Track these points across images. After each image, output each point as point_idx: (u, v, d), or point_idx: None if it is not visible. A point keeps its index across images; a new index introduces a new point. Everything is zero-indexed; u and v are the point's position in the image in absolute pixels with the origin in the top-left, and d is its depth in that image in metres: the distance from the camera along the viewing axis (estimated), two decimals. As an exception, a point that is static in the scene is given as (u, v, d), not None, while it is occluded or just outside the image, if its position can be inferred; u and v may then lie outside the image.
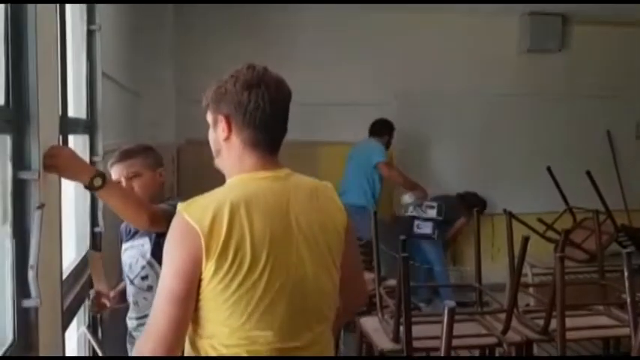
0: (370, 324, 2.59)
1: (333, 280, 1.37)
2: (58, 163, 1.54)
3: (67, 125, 1.98)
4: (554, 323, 2.28)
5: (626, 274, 2.14)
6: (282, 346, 1.27)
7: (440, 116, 5.20)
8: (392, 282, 2.91)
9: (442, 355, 1.76)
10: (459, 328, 1.93)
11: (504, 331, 2.42)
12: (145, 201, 1.84)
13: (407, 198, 4.73)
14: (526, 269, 3.44)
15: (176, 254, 1.24)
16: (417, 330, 2.18)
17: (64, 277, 1.89)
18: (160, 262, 1.44)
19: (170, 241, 1.26)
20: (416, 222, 4.68)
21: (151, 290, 1.94)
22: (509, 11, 5.11)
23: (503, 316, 2.47)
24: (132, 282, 2.05)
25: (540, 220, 3.81)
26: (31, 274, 1.39)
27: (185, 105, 4.45)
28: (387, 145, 4.73)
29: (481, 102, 5.21)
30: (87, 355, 2.33)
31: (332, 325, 1.41)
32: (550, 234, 3.77)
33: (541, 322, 2.45)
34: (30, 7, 1.44)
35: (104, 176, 1.63)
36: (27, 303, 1.41)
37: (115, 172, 2.00)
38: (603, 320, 2.62)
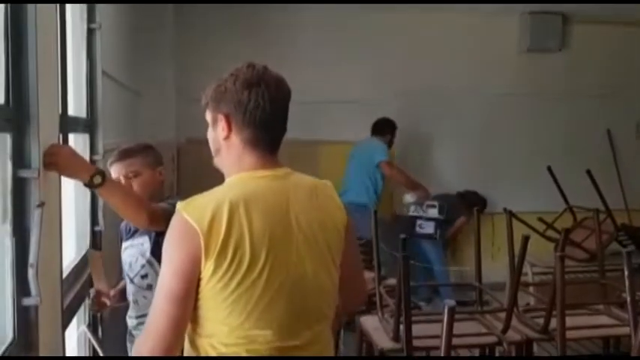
0: (370, 323, 2.59)
1: (332, 279, 1.37)
2: (58, 161, 1.54)
3: (67, 124, 1.98)
4: (554, 322, 2.28)
5: (626, 273, 2.14)
6: (282, 345, 1.27)
7: (440, 115, 5.21)
8: (392, 281, 2.91)
9: (442, 353, 1.76)
10: (459, 327, 1.93)
11: (504, 330, 2.42)
12: (144, 199, 1.84)
13: (409, 197, 4.73)
14: (526, 268, 3.44)
15: (175, 253, 1.24)
16: (417, 329, 2.19)
17: (64, 275, 1.90)
18: (159, 261, 1.44)
19: (169, 240, 1.26)
20: (418, 222, 4.69)
21: (150, 289, 1.94)
22: (510, 10, 5.10)
23: (503, 315, 2.47)
24: (132, 281, 2.06)
25: (540, 220, 3.81)
26: (30, 272, 1.39)
27: (185, 104, 4.45)
28: (390, 145, 4.73)
29: (481, 101, 5.21)
30: (87, 353, 2.33)
31: (331, 323, 1.41)
32: (550, 233, 3.77)
33: (541, 321, 2.45)
34: (30, 5, 1.44)
35: (104, 174, 1.63)
36: (27, 301, 1.41)
37: (115, 171, 2.01)
38: (603, 319, 2.62)
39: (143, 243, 2.01)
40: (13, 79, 1.41)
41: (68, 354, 1.97)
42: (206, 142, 1.40)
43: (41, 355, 1.47)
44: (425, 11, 4.91)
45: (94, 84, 2.46)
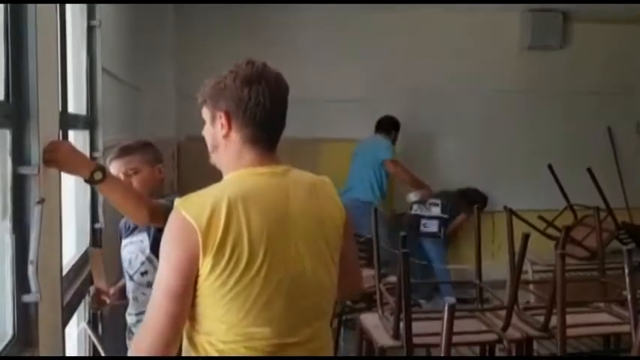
0: (370, 320, 2.59)
1: (331, 276, 1.37)
2: (58, 157, 1.53)
3: (67, 121, 1.98)
4: (554, 320, 2.28)
5: (626, 271, 2.14)
6: (280, 342, 1.27)
7: (441, 113, 5.20)
8: (392, 279, 2.91)
9: (442, 351, 1.77)
10: (459, 325, 1.93)
11: (504, 328, 2.42)
12: (144, 196, 1.83)
13: (412, 196, 4.75)
14: (526, 266, 3.44)
15: (173, 250, 1.24)
16: (417, 326, 2.18)
17: (64, 272, 1.90)
18: (159, 258, 1.44)
19: (167, 237, 1.26)
20: (422, 221, 4.70)
21: (150, 286, 1.92)
22: (510, 8, 5.10)
23: (503, 313, 2.47)
24: (131, 278, 2.05)
25: (541, 218, 3.81)
26: (30, 269, 1.39)
27: (185, 102, 4.44)
28: (393, 142, 4.74)
29: (481, 99, 5.21)
30: (87, 350, 2.33)
31: (330, 319, 1.41)
32: (551, 231, 3.77)
33: (541, 319, 2.45)
34: (30, 3, 1.43)
35: (104, 170, 1.63)
36: (27, 298, 1.41)
37: (114, 168, 2.00)
38: (604, 317, 2.62)
39: (142, 240, 2.01)
40: (13, 75, 1.41)
41: (68, 351, 1.97)
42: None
43: (41, 352, 1.46)
44: (426, 9, 4.90)
45: (94, 81, 2.46)
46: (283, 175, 1.34)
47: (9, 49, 1.40)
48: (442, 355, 1.84)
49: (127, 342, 2.11)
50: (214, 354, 1.26)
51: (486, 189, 5.14)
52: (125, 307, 2.12)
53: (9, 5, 1.41)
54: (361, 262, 3.65)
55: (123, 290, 2.15)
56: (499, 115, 5.28)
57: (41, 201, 1.42)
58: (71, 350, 2.17)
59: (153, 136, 2.93)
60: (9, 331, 1.42)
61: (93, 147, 2.45)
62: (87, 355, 2.34)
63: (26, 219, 1.42)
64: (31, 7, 1.43)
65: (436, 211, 4.71)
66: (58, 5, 1.78)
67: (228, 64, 1.36)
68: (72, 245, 2.29)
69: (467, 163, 5.27)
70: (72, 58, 2.23)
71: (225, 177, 1.36)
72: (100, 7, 2.46)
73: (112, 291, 2.18)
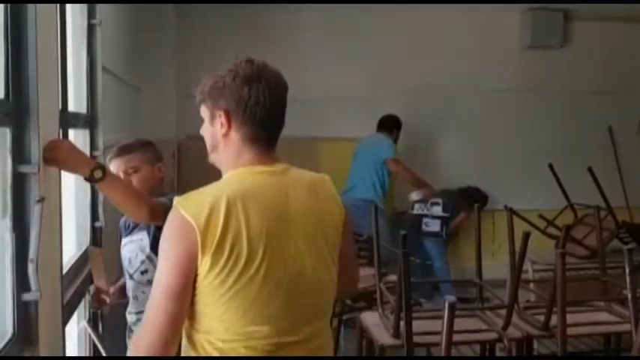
0: (370, 319, 2.59)
1: (331, 275, 1.36)
2: (58, 156, 1.53)
3: (68, 119, 1.98)
4: (554, 319, 2.28)
5: (627, 270, 2.14)
6: (280, 341, 1.27)
7: (441, 112, 5.20)
8: (393, 277, 2.91)
9: (443, 350, 1.76)
10: (459, 324, 1.93)
11: (505, 327, 2.42)
12: (144, 194, 1.83)
13: (414, 196, 4.75)
14: (527, 265, 3.43)
15: (172, 249, 1.23)
16: (417, 325, 2.18)
17: (65, 271, 1.89)
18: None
19: (166, 235, 1.25)
20: (424, 220, 4.71)
21: (150, 285, 1.92)
22: (511, 8, 5.09)
23: (503, 312, 2.47)
24: (131, 276, 2.05)
25: (541, 217, 3.81)
26: (30, 267, 1.39)
27: (186, 101, 4.43)
28: (395, 141, 4.74)
29: (482, 98, 5.21)
30: (87, 349, 2.33)
31: (330, 318, 1.41)
32: (551, 230, 3.77)
33: (541, 318, 2.45)
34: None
35: (104, 168, 1.63)
36: (27, 297, 1.41)
37: (114, 167, 2.00)
38: (604, 316, 2.62)
39: (142, 238, 2.01)
40: (13, 74, 1.41)
41: (68, 350, 1.97)
42: (206, 138, 1.39)
43: (41, 350, 1.46)
44: (426, 8, 4.90)
45: (94, 80, 2.46)
46: (283, 174, 1.34)
47: (9, 47, 1.40)
48: (442, 353, 1.84)
49: (127, 341, 2.11)
50: (213, 353, 1.26)
51: (487, 188, 5.13)
52: (125, 305, 2.12)
53: (9, 4, 1.40)
54: (362, 260, 3.67)
55: (123, 289, 2.15)
56: (500, 114, 5.27)
57: (41, 199, 1.42)
58: (71, 349, 2.17)
59: (153, 135, 2.93)
60: (9, 330, 1.42)
61: (93, 146, 2.45)
62: (87, 353, 2.34)
63: (26, 217, 1.42)
64: (31, 5, 1.43)
65: (437, 210, 4.71)
66: (58, 4, 1.78)
67: (229, 64, 1.35)
68: (72, 244, 2.29)
69: (467, 162, 5.26)
70: (72, 57, 2.23)
71: (225, 176, 1.35)
72: (100, 7, 2.46)
73: (112, 290, 2.18)
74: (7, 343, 1.39)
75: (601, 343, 3.10)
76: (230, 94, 1.30)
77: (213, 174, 1.42)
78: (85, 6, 2.40)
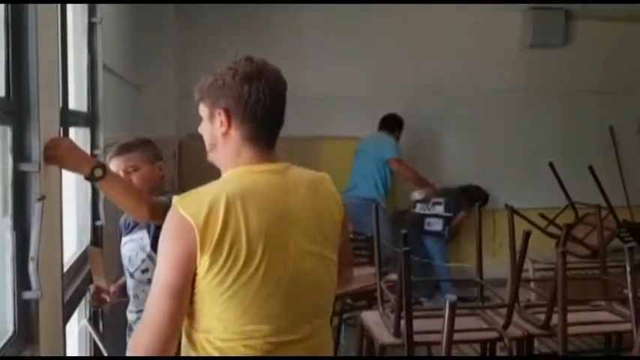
0: (371, 318, 2.59)
1: (330, 274, 1.36)
2: (58, 154, 1.53)
3: (68, 118, 1.98)
4: (555, 318, 2.28)
5: (628, 269, 2.13)
6: (279, 340, 1.26)
7: (442, 111, 5.20)
8: (393, 276, 2.91)
9: (443, 348, 1.76)
10: (460, 323, 1.93)
11: (505, 326, 2.41)
12: (145, 193, 1.83)
13: (416, 195, 4.76)
14: (527, 264, 3.43)
15: (171, 248, 1.23)
16: (417, 324, 2.18)
17: (65, 269, 1.90)
18: None
19: (165, 234, 1.25)
20: (427, 219, 4.71)
21: (150, 283, 1.93)
22: (511, 8, 5.09)
23: (504, 311, 2.47)
24: (132, 275, 2.05)
25: (542, 216, 3.80)
26: (31, 266, 1.39)
27: (186, 100, 4.42)
28: (396, 141, 4.73)
29: (483, 97, 5.20)
30: (88, 347, 2.33)
31: (330, 317, 1.41)
32: (552, 229, 3.76)
33: (542, 317, 2.45)
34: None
35: (105, 167, 1.63)
36: (27, 295, 1.41)
37: (114, 166, 2.00)
38: (605, 316, 2.62)
39: (142, 237, 2.01)
40: (13, 72, 1.41)
41: (69, 348, 1.97)
42: (206, 137, 1.38)
43: (42, 349, 1.46)
44: (426, 8, 4.89)
45: (95, 78, 2.46)
46: (283, 173, 1.33)
47: (10, 45, 1.40)
48: (443, 352, 1.84)
49: (128, 339, 2.11)
50: (213, 352, 1.25)
51: (488, 187, 5.13)
52: (126, 304, 2.12)
53: (10, 3, 1.40)
54: (363, 259, 3.67)
55: (123, 288, 2.15)
56: (500, 113, 5.27)
57: (42, 198, 1.42)
58: (72, 347, 2.17)
59: (154, 134, 2.93)
60: (9, 328, 1.42)
61: (94, 144, 2.45)
62: (88, 352, 2.34)
63: (27, 216, 1.42)
64: (32, 4, 1.43)
65: (439, 209, 4.72)
66: (59, 4, 1.78)
67: (228, 62, 1.34)
68: (73, 242, 2.29)
69: (468, 161, 5.26)
70: (73, 55, 2.23)
71: (224, 174, 1.34)
72: (100, 6, 2.46)
73: (112, 289, 2.18)
74: (7, 342, 1.39)
75: (602, 342, 3.10)
76: (230, 93, 1.29)
77: (214, 172, 1.42)
78: (85, 4, 2.39)
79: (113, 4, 2.92)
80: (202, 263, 1.21)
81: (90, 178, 1.60)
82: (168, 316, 1.21)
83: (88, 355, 2.35)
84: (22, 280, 1.41)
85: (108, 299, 2.14)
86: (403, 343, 2.19)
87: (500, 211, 3.61)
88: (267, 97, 1.29)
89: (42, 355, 1.46)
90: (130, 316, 2.09)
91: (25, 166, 1.42)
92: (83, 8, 2.39)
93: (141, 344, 1.23)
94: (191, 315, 1.26)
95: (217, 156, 1.35)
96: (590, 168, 4.11)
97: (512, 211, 2.88)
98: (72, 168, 1.64)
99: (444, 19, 5.06)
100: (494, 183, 5.16)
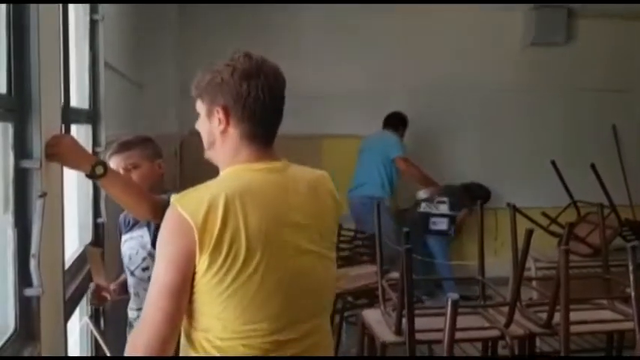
0: (372, 316, 2.59)
1: (330, 272, 1.36)
2: (60, 151, 1.53)
3: (70, 115, 1.98)
4: (557, 317, 2.27)
5: (630, 267, 2.13)
6: (279, 339, 1.25)
7: (444, 110, 5.19)
8: (395, 275, 2.91)
9: (445, 347, 1.76)
10: (461, 321, 1.93)
11: (507, 325, 2.41)
12: (146, 191, 1.83)
13: (421, 194, 4.77)
14: (529, 263, 3.42)
15: (169, 247, 1.22)
16: (419, 322, 2.18)
17: (67, 266, 1.90)
18: None
19: (163, 233, 1.24)
20: (431, 219, 4.72)
21: (152, 281, 1.93)
22: (514, 5, 5.07)
23: (506, 309, 2.46)
24: (132, 273, 2.05)
25: (544, 214, 3.80)
26: (32, 262, 1.39)
27: (188, 98, 4.42)
28: (401, 139, 4.73)
29: (486, 95, 5.20)
30: (89, 345, 2.33)
31: (330, 315, 1.41)
32: (554, 228, 3.76)
33: (544, 315, 2.44)
34: (32, -3, 1.43)
35: (106, 165, 1.63)
36: (29, 292, 1.41)
37: (114, 164, 1.99)
38: (607, 314, 2.61)
39: (143, 235, 2.01)
40: (15, 69, 1.41)
41: (70, 346, 1.97)
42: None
43: (43, 346, 1.46)
44: (428, 6, 4.89)
45: (96, 75, 2.46)
46: (282, 171, 1.32)
47: (11, 43, 1.40)
48: (445, 351, 1.84)
49: (128, 337, 2.11)
50: (212, 351, 1.24)
51: (489, 185, 5.13)
52: (127, 302, 2.12)
53: (11, 2, 1.40)
54: (365, 258, 3.66)
55: (124, 285, 2.14)
56: (503, 111, 5.26)
57: (43, 195, 1.42)
58: (73, 345, 2.17)
59: (156, 132, 2.93)
60: (11, 325, 1.42)
61: (95, 142, 2.45)
62: (89, 349, 2.34)
63: (28, 213, 1.42)
64: (33, 4, 1.43)
65: (444, 208, 4.74)
66: (60, 4, 1.78)
67: (226, 59, 1.32)
68: (74, 239, 2.29)
69: (470, 160, 5.26)
70: (74, 52, 2.23)
71: (222, 173, 1.33)
72: (102, 5, 2.46)
73: (112, 287, 2.17)
74: (8, 339, 1.39)
75: (603, 341, 3.09)
76: (228, 91, 1.27)
77: (215, 170, 1.41)
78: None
79: (115, 4, 2.91)
80: (201, 262, 1.20)
81: (91, 175, 1.60)
82: (166, 315, 1.20)
83: (89, 352, 2.35)
84: (23, 277, 1.41)
85: (108, 297, 2.14)
86: (404, 342, 2.18)
87: (503, 210, 3.60)
88: (266, 95, 1.27)
89: (43, 352, 1.46)
90: (131, 314, 2.08)
91: (26, 163, 1.42)
92: (85, 6, 2.39)
93: (139, 343, 1.22)
94: (190, 314, 1.25)
95: (215, 154, 1.34)
96: (593, 166, 4.10)
97: (515, 210, 2.87)
98: (73, 165, 1.64)
99: (445, 18, 5.06)
100: (496, 181, 5.15)
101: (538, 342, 2.85)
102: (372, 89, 5.01)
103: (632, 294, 2.14)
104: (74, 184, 2.29)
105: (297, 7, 4.83)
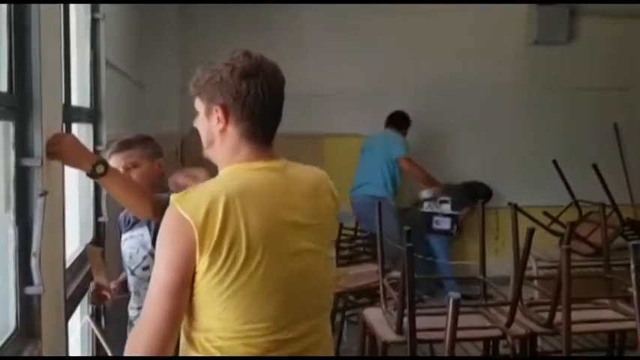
0: (374, 315, 2.59)
1: (329, 271, 1.35)
2: (61, 150, 1.53)
3: (71, 113, 1.98)
4: (558, 316, 2.27)
5: (632, 266, 2.12)
6: (279, 338, 1.25)
7: (445, 108, 5.19)
8: (396, 274, 2.90)
9: (447, 346, 1.76)
10: (462, 321, 1.92)
11: (508, 324, 2.41)
12: (147, 190, 1.83)
13: (424, 194, 4.77)
14: (531, 262, 3.41)
15: (169, 247, 1.21)
16: (420, 322, 2.18)
17: (68, 265, 1.90)
18: None
19: (163, 233, 1.23)
20: (435, 218, 4.72)
21: (152, 280, 1.93)
22: (514, 8, 5.08)
23: (507, 308, 2.46)
24: (133, 272, 2.05)
25: (546, 214, 3.79)
26: (33, 261, 1.39)
27: (189, 97, 4.43)
28: (403, 138, 4.73)
29: (487, 94, 5.19)
30: (90, 344, 2.33)
31: (330, 314, 1.40)
32: (555, 227, 3.75)
33: (545, 315, 2.44)
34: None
35: (106, 163, 1.62)
36: (30, 290, 1.41)
37: (114, 163, 1.99)
38: (608, 314, 2.61)
39: (143, 234, 2.01)
40: (16, 67, 1.40)
41: (71, 344, 1.97)
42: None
43: (44, 344, 1.46)
44: (429, 5, 4.88)
45: (97, 74, 2.46)
46: (281, 170, 1.31)
47: (12, 41, 1.40)
48: (446, 350, 1.83)
49: (128, 335, 2.11)
50: (212, 350, 1.24)
51: (491, 184, 5.13)
52: (127, 300, 2.12)
53: (13, 2, 1.40)
54: (366, 257, 3.66)
55: (124, 284, 2.14)
56: (504, 110, 5.25)
57: (44, 193, 1.41)
58: (74, 343, 2.17)
59: (157, 131, 2.94)
60: (12, 323, 1.42)
61: (96, 140, 2.45)
62: (90, 348, 2.34)
63: (29, 211, 1.42)
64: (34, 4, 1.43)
65: (447, 207, 4.75)
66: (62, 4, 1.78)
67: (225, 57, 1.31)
68: (75, 238, 2.29)
69: (472, 158, 5.25)
70: (76, 51, 2.23)
71: (221, 172, 1.32)
72: (103, 5, 2.46)
73: (112, 285, 2.17)
74: (9, 337, 1.39)
75: (605, 340, 3.08)
76: (227, 90, 1.26)
77: (216, 169, 1.41)
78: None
79: (117, 4, 2.91)
80: (201, 263, 1.19)
81: (92, 174, 1.59)
82: (166, 315, 1.20)
83: (90, 351, 2.36)
84: (24, 276, 1.41)
85: (108, 296, 2.14)
86: (406, 341, 2.18)
87: (504, 209, 3.61)
88: (266, 94, 1.27)
89: (44, 350, 1.46)
90: (132, 313, 2.08)
91: (27, 162, 1.42)
92: (86, 4, 2.39)
93: (139, 344, 1.21)
94: (190, 314, 1.25)
95: (214, 152, 1.33)
96: (595, 166, 4.09)
97: (516, 209, 2.87)
98: (74, 164, 1.64)
99: (448, 17, 5.05)
100: (497, 181, 5.15)
101: (539, 341, 2.85)
102: (374, 89, 5.01)
103: (634, 293, 2.13)
104: (75, 183, 2.29)
105: (298, 7, 4.84)
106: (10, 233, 1.41)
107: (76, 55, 2.27)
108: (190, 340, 1.27)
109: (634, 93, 5.37)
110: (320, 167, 1.42)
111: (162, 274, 1.21)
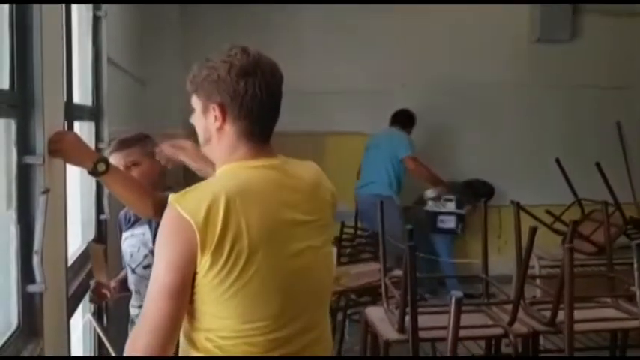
0: (375, 314, 2.58)
1: (329, 267, 1.36)
2: (63, 147, 1.52)
3: (73, 111, 1.98)
4: (561, 315, 2.26)
5: (635, 265, 2.12)
6: (280, 335, 1.25)
7: (448, 106, 5.18)
8: (398, 272, 2.90)
9: (449, 344, 1.76)
10: (465, 319, 1.92)
11: (511, 322, 2.40)
12: (149, 188, 1.82)
13: (429, 193, 4.77)
14: (533, 261, 3.41)
15: (169, 248, 1.20)
16: (422, 320, 2.17)
17: (70, 263, 1.90)
18: None
19: (163, 233, 1.22)
20: (439, 217, 4.71)
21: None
22: (516, 8, 5.07)
23: (509, 307, 2.45)
24: (134, 271, 2.05)
25: (548, 212, 3.78)
26: (35, 259, 1.38)
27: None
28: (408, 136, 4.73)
29: (490, 92, 5.18)
30: (93, 342, 2.33)
31: (329, 308, 1.40)
32: (558, 226, 3.74)
33: (548, 313, 2.43)
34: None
35: (108, 162, 1.62)
36: (32, 288, 1.41)
37: (114, 162, 1.97)
38: (611, 312, 2.60)
39: (144, 233, 2.00)
40: (18, 65, 1.40)
41: (73, 342, 1.97)
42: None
43: (46, 342, 1.46)
44: (429, 5, 4.88)
45: (99, 72, 2.46)
46: (280, 168, 1.30)
47: (15, 40, 1.39)
48: (448, 348, 1.83)
49: (130, 333, 2.11)
50: (213, 350, 1.24)
51: (493, 182, 5.12)
52: (129, 298, 2.12)
53: (15, 2, 1.40)
54: (368, 255, 3.66)
55: (124, 282, 2.14)
56: (507, 108, 5.25)
57: (46, 191, 1.41)
58: (76, 341, 2.17)
59: (158, 129, 2.94)
60: (14, 321, 1.42)
61: (98, 138, 2.45)
62: (92, 346, 2.34)
63: (31, 209, 1.42)
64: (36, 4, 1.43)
65: (451, 206, 4.75)
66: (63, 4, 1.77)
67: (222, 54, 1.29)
68: (77, 236, 2.29)
69: (474, 156, 5.24)
70: (77, 49, 2.22)
71: (219, 171, 1.31)
72: (105, 5, 2.46)
73: (112, 284, 2.17)
74: (12, 335, 1.39)
75: (607, 339, 3.08)
76: (225, 88, 1.25)
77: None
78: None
79: (119, 4, 2.91)
80: (203, 263, 1.18)
81: (93, 172, 1.59)
82: (167, 316, 1.19)
83: (92, 349, 2.36)
84: (26, 274, 1.41)
85: (108, 295, 2.13)
86: (408, 339, 2.18)
87: (506, 208, 3.60)
88: (264, 93, 1.25)
89: (46, 348, 1.46)
90: (133, 311, 2.08)
91: (29, 159, 1.42)
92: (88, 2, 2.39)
93: (139, 344, 1.21)
94: (191, 314, 1.24)
95: (211, 151, 1.32)
96: (598, 165, 4.08)
97: (519, 208, 2.86)
98: (76, 162, 1.64)
99: (451, 15, 5.04)
100: (499, 179, 5.14)
101: (542, 340, 2.85)
102: (373, 88, 5.01)
103: (637, 292, 2.13)
104: (77, 181, 2.29)
105: (297, 7, 4.85)
106: (12, 231, 1.41)
107: (78, 53, 2.27)
108: (191, 339, 1.26)
109: (637, 91, 5.36)
110: (321, 165, 1.42)
111: (161, 274, 1.20)
